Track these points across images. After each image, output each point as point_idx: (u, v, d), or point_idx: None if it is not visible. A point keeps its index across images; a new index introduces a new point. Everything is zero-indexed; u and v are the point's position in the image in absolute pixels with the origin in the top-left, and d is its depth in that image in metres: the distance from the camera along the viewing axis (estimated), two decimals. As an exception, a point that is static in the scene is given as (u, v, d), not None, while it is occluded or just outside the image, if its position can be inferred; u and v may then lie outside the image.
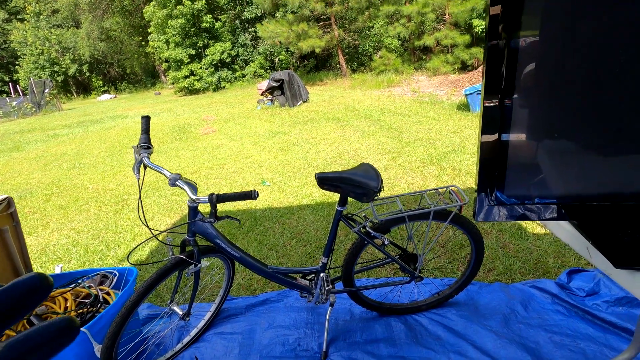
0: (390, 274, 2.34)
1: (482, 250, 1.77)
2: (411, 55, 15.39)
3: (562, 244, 2.43)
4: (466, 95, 6.93)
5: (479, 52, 12.53)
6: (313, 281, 1.79)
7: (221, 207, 3.73)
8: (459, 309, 1.94)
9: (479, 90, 6.92)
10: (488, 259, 2.37)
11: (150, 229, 1.31)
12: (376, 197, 1.47)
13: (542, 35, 0.87)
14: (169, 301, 1.73)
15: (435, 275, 2.27)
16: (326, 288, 1.65)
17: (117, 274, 1.93)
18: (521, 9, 0.85)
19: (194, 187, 1.39)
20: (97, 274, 1.95)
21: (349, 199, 1.56)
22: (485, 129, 0.96)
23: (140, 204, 1.38)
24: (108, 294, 1.83)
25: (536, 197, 1.02)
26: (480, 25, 12.49)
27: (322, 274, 1.69)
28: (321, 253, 2.68)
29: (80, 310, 1.69)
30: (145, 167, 1.41)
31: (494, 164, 1.00)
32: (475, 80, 10.60)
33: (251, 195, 1.24)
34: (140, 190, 1.34)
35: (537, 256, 2.35)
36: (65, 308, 1.74)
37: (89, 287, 1.84)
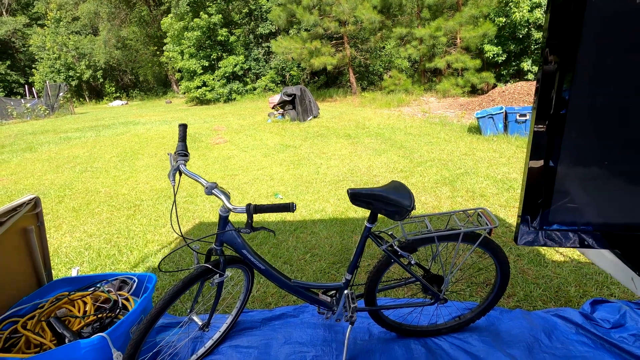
0: (408, 295, 2.30)
1: (508, 276, 1.74)
2: (421, 77, 15.60)
3: (583, 272, 2.39)
4: (478, 118, 6.97)
5: (489, 76, 12.68)
6: (334, 297, 1.77)
7: (236, 217, 3.72)
8: (480, 334, 1.90)
9: (491, 114, 6.97)
10: (508, 285, 2.33)
11: (183, 237, 1.31)
12: (408, 216, 1.47)
13: (599, 62, 0.89)
14: (188, 310, 1.71)
15: (454, 298, 2.23)
16: (352, 306, 1.62)
17: (137, 280, 1.92)
18: (579, 38, 0.86)
19: (228, 197, 1.39)
20: (116, 279, 1.94)
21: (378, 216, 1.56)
22: (534, 154, 0.97)
23: (174, 209, 1.38)
24: (127, 299, 1.82)
25: (580, 224, 1.01)
26: (491, 50, 12.68)
27: (345, 291, 1.67)
28: (336, 269, 2.66)
29: (100, 315, 1.68)
30: (180, 174, 1.43)
31: (539, 188, 1.00)
32: (486, 104, 10.68)
33: (289, 207, 1.24)
34: (175, 196, 1.34)
35: (558, 284, 2.31)
36: (85, 312, 1.72)
37: (108, 291, 1.83)
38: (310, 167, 5.55)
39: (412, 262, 1.60)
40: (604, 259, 1.10)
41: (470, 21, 12.58)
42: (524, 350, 1.79)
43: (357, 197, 1.44)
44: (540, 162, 0.97)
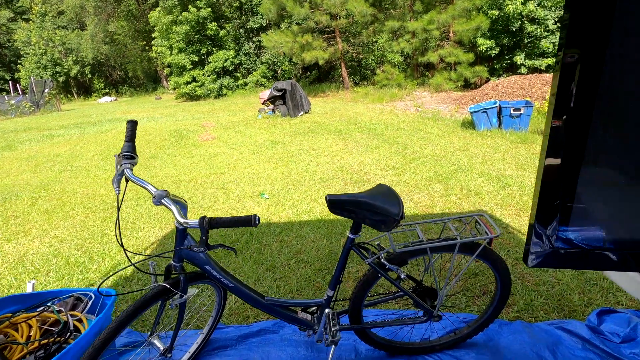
0: (399, 306, 2.12)
1: (509, 289, 1.56)
2: (414, 71, 15.40)
3: (586, 277, 2.23)
4: (471, 112, 6.80)
5: (482, 70, 12.52)
6: (315, 315, 1.57)
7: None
8: (478, 352, 1.72)
9: (485, 108, 6.80)
10: (506, 292, 2.15)
11: (125, 251, 1.10)
12: (397, 225, 1.27)
13: (632, 48, 0.69)
14: (148, 333, 1.50)
15: (448, 308, 2.05)
16: (332, 329, 1.42)
17: (93, 297, 1.70)
18: (610, 21, 0.67)
19: (183, 207, 1.19)
20: (71, 296, 1.72)
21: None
22: (550, 156, 0.77)
23: (117, 224, 1.17)
24: (80, 320, 1.60)
25: (607, 242, 0.82)
26: (484, 44, 12.51)
27: (327, 310, 1.48)
28: (322, 277, 2.46)
29: (45, 341, 1.46)
30: (127, 181, 1.21)
31: (556, 200, 0.80)
32: (479, 98, 10.53)
33: (251, 221, 1.04)
34: (119, 208, 1.13)
35: (560, 291, 2.14)
36: (28, 337, 1.50)
37: (59, 311, 1.61)
38: (299, 164, 5.34)
39: (402, 276, 1.40)
40: (633, 283, 0.92)
41: (463, 14, 12.38)
42: (526, 369, 1.62)
43: (337, 205, 1.24)
44: (559, 168, 0.77)
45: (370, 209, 1.24)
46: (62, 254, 3.05)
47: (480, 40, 12.58)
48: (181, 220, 1.15)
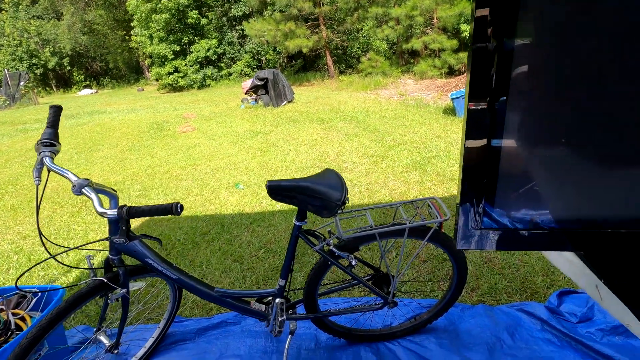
0: (364, 292, 2.09)
1: (465, 272, 1.54)
2: (399, 59, 15.31)
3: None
4: (452, 99, 6.80)
5: (466, 57, 12.50)
6: (270, 305, 1.53)
7: (196, 206, 3.42)
8: (438, 337, 1.71)
9: (466, 95, 6.81)
10: (472, 276, 2.15)
11: (43, 241, 1.03)
12: (340, 211, 1.23)
13: (545, 22, 0.64)
14: (95, 329, 1.44)
15: (412, 294, 2.04)
16: (279, 319, 1.38)
17: (39, 294, 1.63)
18: None
19: (113, 197, 1.12)
20: (15, 294, 1.64)
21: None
22: (470, 136, 0.72)
23: (37, 216, 1.09)
24: (23, 319, 1.53)
25: (533, 221, 0.79)
26: (467, 30, 12.46)
27: (277, 300, 1.43)
28: (290, 266, 2.42)
29: (-19, 342, 1.39)
30: (49, 171, 1.13)
31: (480, 179, 0.76)
32: (462, 84, 10.55)
33: (172, 209, 0.98)
34: (39, 199, 1.06)
35: (525, 273, 2.14)
36: (-35, 338, 1.43)
37: (0, 310, 1.53)
38: (278, 154, 5.26)
39: (354, 262, 1.37)
40: (565, 261, 0.89)
41: (447, 0, 12.28)
42: (484, 352, 1.61)
43: (277, 190, 1.19)
44: (480, 147, 0.73)
45: (310, 194, 1.19)
46: (24, 251, 2.95)
47: (464, 27, 12.53)
48: (99, 210, 1.08)
